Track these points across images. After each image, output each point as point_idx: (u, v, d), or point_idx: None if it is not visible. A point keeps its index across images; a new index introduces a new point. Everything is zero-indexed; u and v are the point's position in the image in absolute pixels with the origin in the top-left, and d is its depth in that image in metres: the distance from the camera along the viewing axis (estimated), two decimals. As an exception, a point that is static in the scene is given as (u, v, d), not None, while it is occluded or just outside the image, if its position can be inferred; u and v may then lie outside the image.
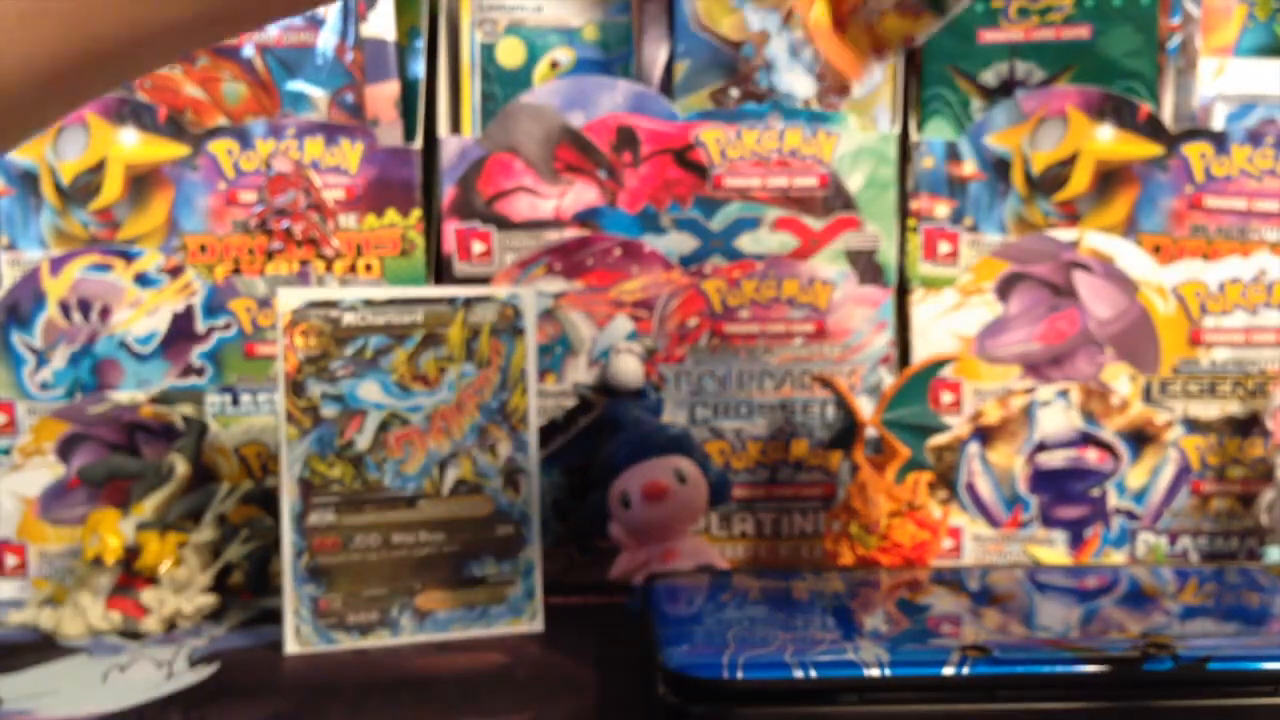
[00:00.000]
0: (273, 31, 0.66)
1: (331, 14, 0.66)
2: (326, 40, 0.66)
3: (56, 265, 0.64)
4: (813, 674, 0.43)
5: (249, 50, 0.66)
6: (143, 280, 0.64)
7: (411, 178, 0.65)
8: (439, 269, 0.66)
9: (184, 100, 0.65)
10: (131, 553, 0.60)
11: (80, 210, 0.64)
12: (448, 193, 0.65)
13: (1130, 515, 0.66)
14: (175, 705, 0.51)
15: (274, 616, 0.59)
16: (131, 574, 0.60)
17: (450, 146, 0.65)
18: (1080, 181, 0.65)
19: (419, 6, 0.68)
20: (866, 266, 0.66)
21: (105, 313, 0.64)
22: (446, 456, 0.57)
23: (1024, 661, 0.44)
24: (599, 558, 0.62)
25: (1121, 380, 0.66)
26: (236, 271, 0.65)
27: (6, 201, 0.64)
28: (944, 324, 0.66)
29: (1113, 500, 0.66)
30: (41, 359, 0.64)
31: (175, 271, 0.65)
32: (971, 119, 0.67)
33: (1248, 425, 0.66)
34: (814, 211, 0.65)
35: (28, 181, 0.64)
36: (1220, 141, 0.65)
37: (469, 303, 0.57)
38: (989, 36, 0.67)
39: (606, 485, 0.60)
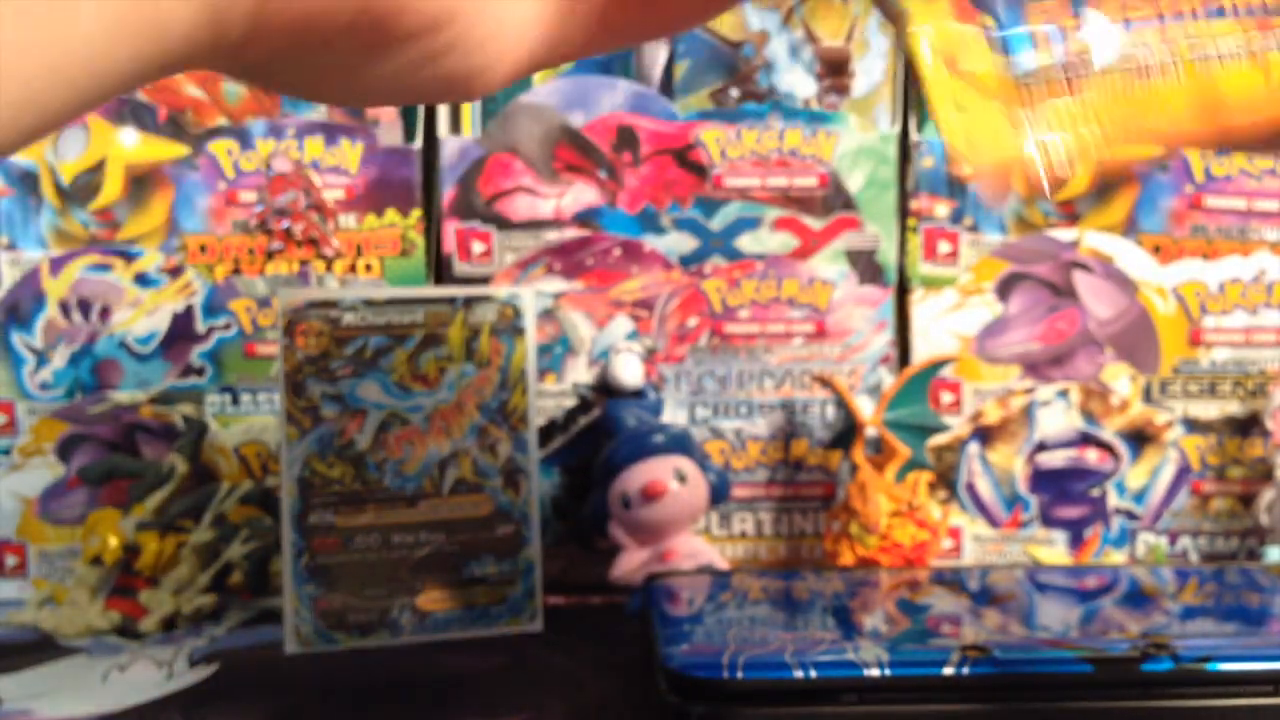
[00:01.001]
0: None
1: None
2: (326, 40, 0.66)
3: (56, 265, 0.64)
4: (813, 674, 0.43)
5: (249, 50, 0.66)
6: (143, 280, 0.64)
7: (411, 178, 0.65)
8: (439, 269, 0.66)
9: (184, 100, 0.65)
10: (131, 553, 0.60)
11: (80, 210, 0.64)
12: (448, 193, 0.65)
13: (1130, 515, 0.66)
14: (175, 705, 0.51)
15: (274, 616, 0.59)
16: (131, 574, 0.60)
17: (450, 146, 0.65)
18: (1080, 181, 0.65)
19: (419, 6, 0.68)
20: (866, 266, 0.66)
21: (105, 313, 0.64)
22: (446, 456, 0.57)
23: (1024, 661, 0.44)
24: (599, 558, 0.62)
25: (1121, 380, 0.66)
26: (236, 271, 0.65)
27: (6, 201, 0.64)
28: (944, 324, 0.66)
29: (1113, 500, 0.66)
30: (41, 359, 0.64)
31: (175, 271, 0.65)
32: (971, 119, 0.66)
33: (1248, 425, 0.66)
34: (814, 211, 0.65)
35: (28, 181, 0.64)
36: (1220, 141, 0.65)
37: (469, 303, 0.57)
38: (989, 36, 0.67)
39: (606, 485, 0.60)
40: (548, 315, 0.65)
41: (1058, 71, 0.24)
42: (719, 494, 0.62)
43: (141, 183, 0.64)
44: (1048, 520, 0.66)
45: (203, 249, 0.65)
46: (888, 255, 0.66)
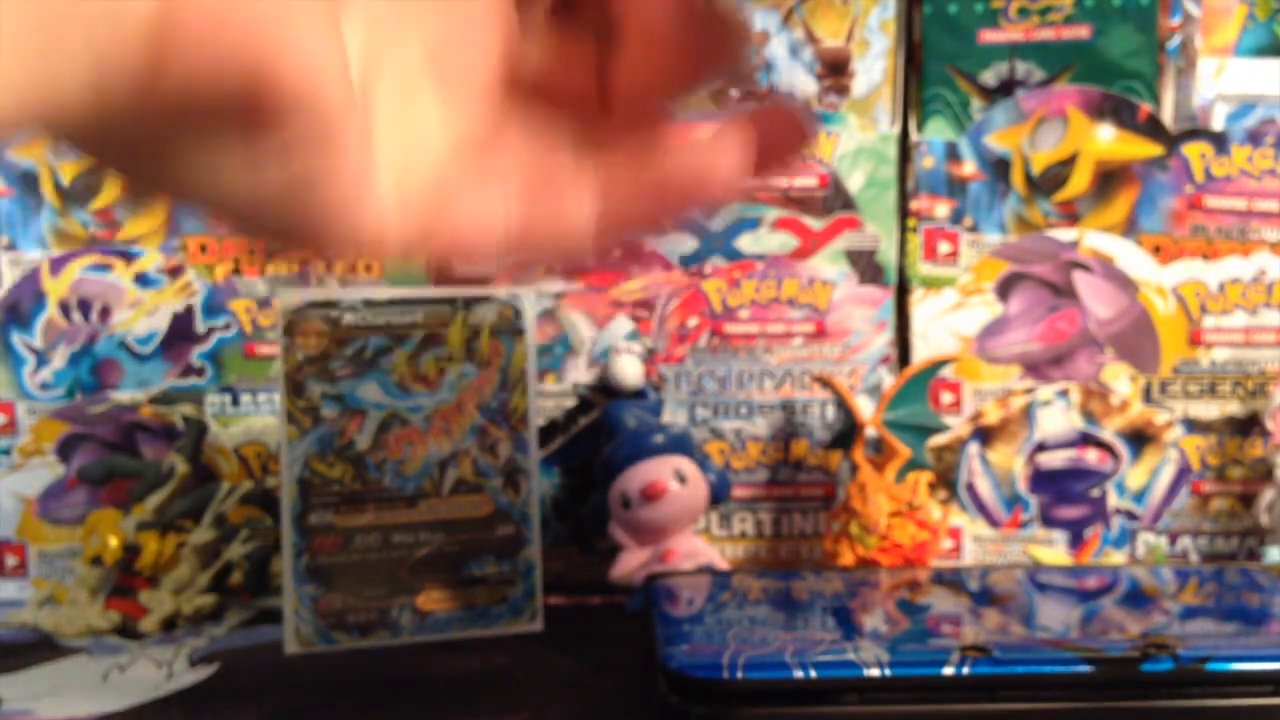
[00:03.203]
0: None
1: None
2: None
3: (56, 265, 0.64)
4: (813, 674, 0.43)
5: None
6: (143, 280, 0.64)
7: (411, 178, 0.65)
8: (439, 269, 0.66)
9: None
10: (131, 553, 0.60)
11: (80, 210, 0.64)
12: (448, 193, 0.65)
13: (1130, 515, 0.66)
14: (175, 705, 0.51)
15: (274, 616, 0.59)
16: (131, 574, 0.60)
17: (450, 146, 0.65)
18: (1080, 181, 0.65)
19: (419, 6, 0.68)
20: (866, 266, 0.66)
21: (105, 313, 0.64)
22: (446, 456, 0.57)
23: (1024, 661, 0.44)
24: (599, 558, 0.62)
25: (1121, 380, 0.66)
26: (236, 271, 0.65)
27: (6, 201, 0.64)
28: (944, 324, 0.66)
29: (1113, 500, 0.66)
30: (41, 359, 0.64)
31: (175, 271, 0.65)
32: (971, 119, 0.67)
33: (1248, 425, 0.66)
34: (814, 211, 0.65)
35: (28, 181, 0.64)
36: (1220, 141, 0.65)
37: (469, 303, 0.57)
38: (989, 36, 0.67)
39: (606, 485, 0.60)
40: (548, 315, 0.65)
41: None
42: (719, 494, 0.62)
43: (141, 183, 0.64)
44: (1048, 520, 0.66)
45: (203, 249, 0.65)
46: (888, 255, 0.66)
